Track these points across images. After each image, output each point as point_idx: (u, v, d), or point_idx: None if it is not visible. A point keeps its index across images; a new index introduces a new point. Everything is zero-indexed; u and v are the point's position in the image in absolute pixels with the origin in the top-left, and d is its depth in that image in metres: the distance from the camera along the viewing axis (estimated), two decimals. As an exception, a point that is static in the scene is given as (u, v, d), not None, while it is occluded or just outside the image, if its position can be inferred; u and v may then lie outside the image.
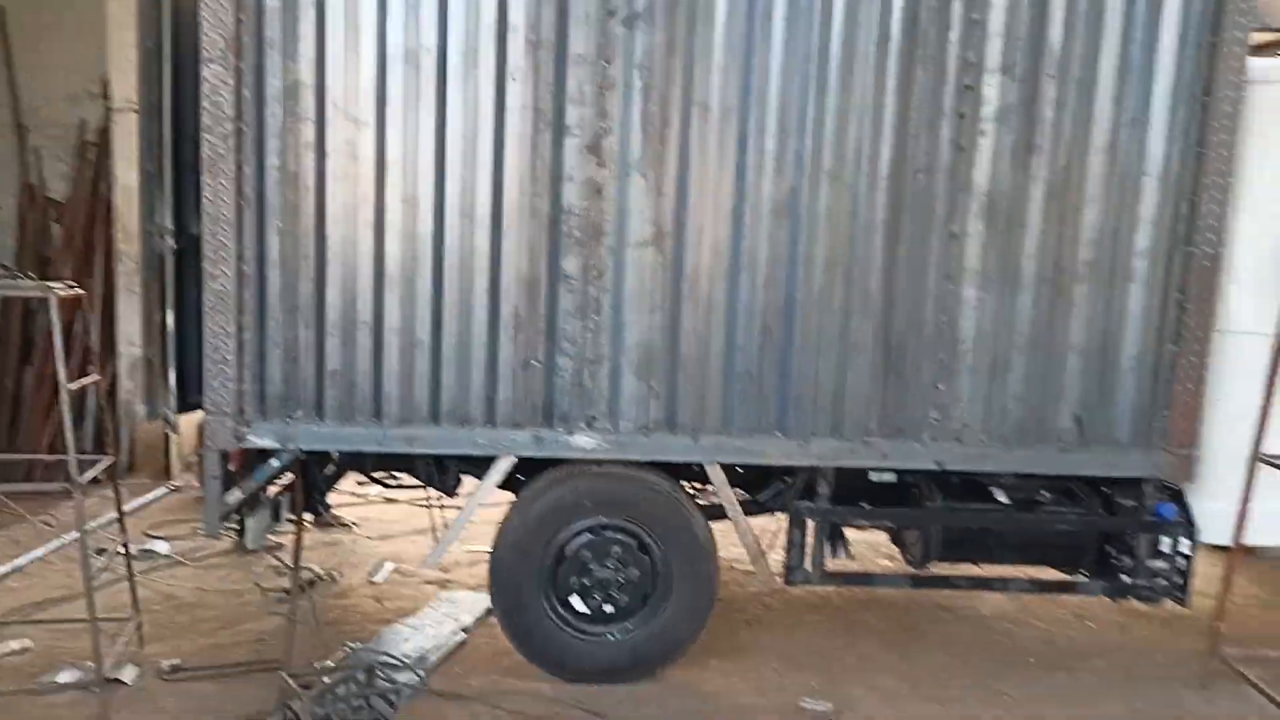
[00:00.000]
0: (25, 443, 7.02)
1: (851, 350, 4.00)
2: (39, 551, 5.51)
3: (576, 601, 4.12)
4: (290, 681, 3.81)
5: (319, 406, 3.93)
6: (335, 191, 3.83)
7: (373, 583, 5.28)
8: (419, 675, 4.03)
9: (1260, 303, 4.04)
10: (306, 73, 3.76)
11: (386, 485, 4.88)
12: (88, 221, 7.40)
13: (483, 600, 4.90)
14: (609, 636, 4.15)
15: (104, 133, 7.41)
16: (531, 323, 3.93)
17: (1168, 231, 3.95)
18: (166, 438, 7.30)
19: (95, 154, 7.46)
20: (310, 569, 5.28)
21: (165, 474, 7.28)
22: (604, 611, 4.14)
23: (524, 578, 4.09)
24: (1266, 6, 4.25)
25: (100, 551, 5.19)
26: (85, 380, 4.11)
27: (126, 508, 4.63)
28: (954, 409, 4.04)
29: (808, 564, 4.25)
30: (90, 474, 3.86)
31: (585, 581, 4.11)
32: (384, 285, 3.88)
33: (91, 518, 4.85)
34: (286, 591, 4.98)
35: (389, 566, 5.51)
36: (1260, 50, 4.51)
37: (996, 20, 3.81)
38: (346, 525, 6.28)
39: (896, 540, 4.69)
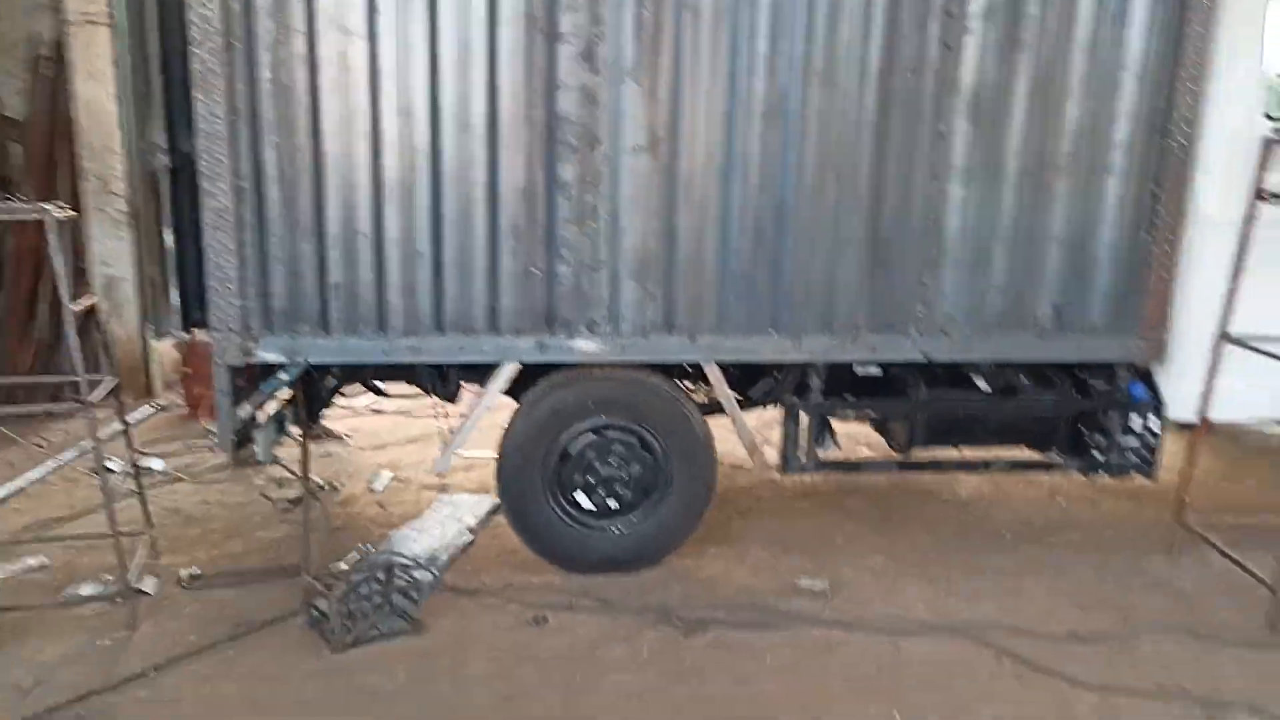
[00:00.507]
0: (2, 366, 6.97)
1: (841, 248, 4.12)
2: (38, 471, 5.56)
3: (582, 498, 4.31)
4: (315, 583, 3.97)
5: (324, 320, 3.99)
6: (329, 104, 3.81)
7: (373, 490, 5.42)
8: (434, 573, 4.20)
9: (1228, 193, 4.21)
10: (293, -19, 3.70)
11: (385, 395, 4.98)
12: (48, 139, 7.20)
13: (484, 502, 5.08)
14: (614, 530, 4.35)
15: (59, 47, 7.15)
16: (530, 231, 3.99)
17: (1144, 125, 4.08)
18: (147, 356, 7.29)
19: (52, 69, 7.21)
20: (313, 479, 5.40)
21: (147, 393, 7.29)
22: (609, 507, 4.33)
23: (531, 477, 4.25)
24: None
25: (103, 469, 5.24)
26: (85, 301, 4.12)
27: (113, 428, 4.67)
28: (939, 302, 4.20)
29: (802, 454, 4.47)
30: (99, 393, 3.91)
31: (590, 479, 4.29)
32: (383, 197, 3.91)
33: (86, 437, 4.91)
34: (292, 502, 5.11)
35: (387, 475, 5.65)
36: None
37: (984, -85, 3.85)
38: (339, 437, 6.39)
39: (880, 429, 4.91)
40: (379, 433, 6.56)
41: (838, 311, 4.18)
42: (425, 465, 5.79)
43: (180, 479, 5.57)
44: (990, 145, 4.06)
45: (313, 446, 6.13)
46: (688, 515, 4.38)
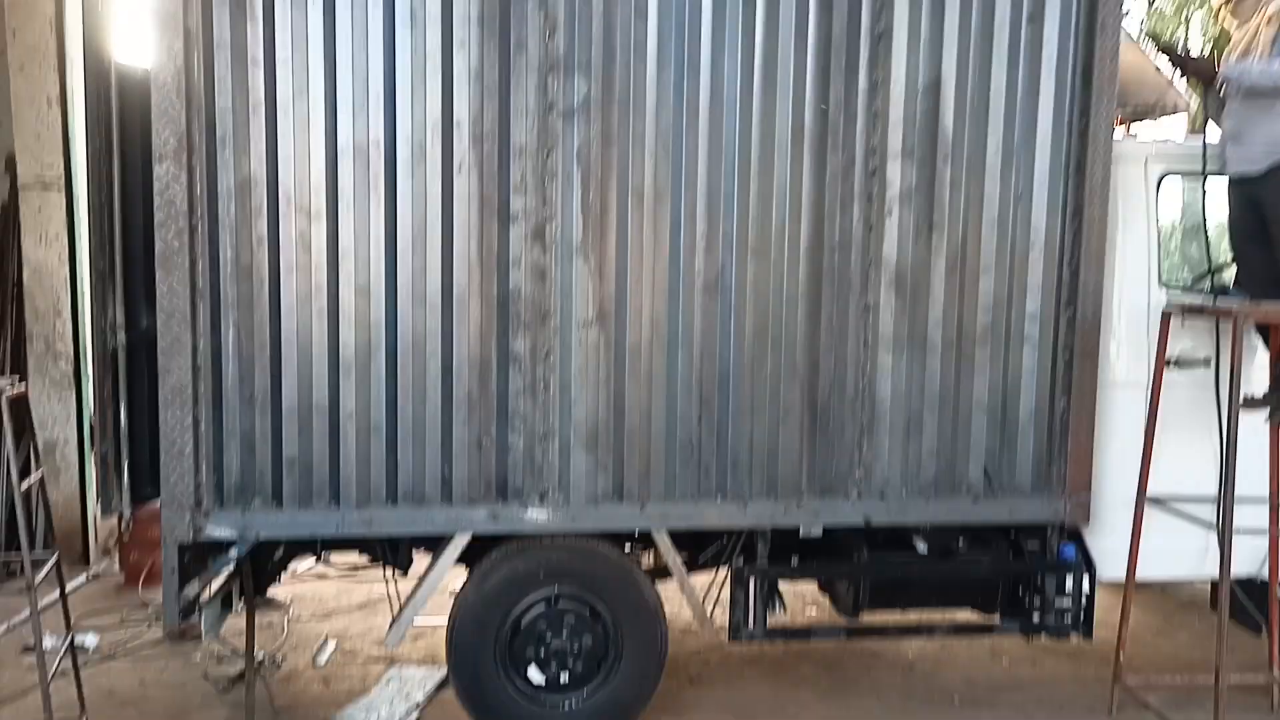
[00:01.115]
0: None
1: (782, 415, 4.30)
2: (-42, 653, 5.31)
3: (534, 672, 4.26)
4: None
5: (277, 494, 4.01)
6: (289, 282, 3.95)
7: (317, 665, 5.27)
8: (380, 753, 4.08)
9: (1136, 359, 4.53)
10: (258, 168, 3.89)
11: (331, 564, 4.93)
12: (-6, 302, 7.20)
13: (433, 675, 4.97)
14: (565, 705, 4.30)
15: (8, 210, 7.25)
16: (484, 402, 4.11)
17: (1053, 296, 4.40)
18: (85, 522, 7.10)
19: (1, 232, 7.28)
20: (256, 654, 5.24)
21: (84, 560, 7.06)
22: (560, 681, 4.29)
23: (482, 651, 4.21)
24: (1125, 90, 4.82)
25: (28, 649, 5.05)
26: (33, 477, 4.09)
27: (47, 600, 4.53)
28: (876, 466, 4.37)
29: (751, 621, 4.51)
30: (43, 573, 3.83)
31: (541, 652, 4.26)
32: (340, 371, 4.01)
33: (13, 611, 4.75)
34: (232, 680, 4.94)
35: (331, 646, 5.51)
36: (1123, 129, 5.12)
37: (896, 112, 4.23)
38: (281, 605, 6.23)
39: (826, 590, 4.99)
40: (323, 599, 6.42)
41: (781, 477, 4.32)
42: (373, 634, 5.66)
43: (114, 657, 5.35)
44: (914, 317, 4.33)
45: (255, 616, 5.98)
46: (640, 686, 4.35)
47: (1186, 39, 17.34)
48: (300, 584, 6.65)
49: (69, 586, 6.47)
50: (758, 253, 4.23)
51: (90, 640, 5.50)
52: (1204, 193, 4.59)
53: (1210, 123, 4.56)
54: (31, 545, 3.73)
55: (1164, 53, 4.57)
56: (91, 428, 7.03)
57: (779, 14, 4.11)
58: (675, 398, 4.23)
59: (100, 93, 3.92)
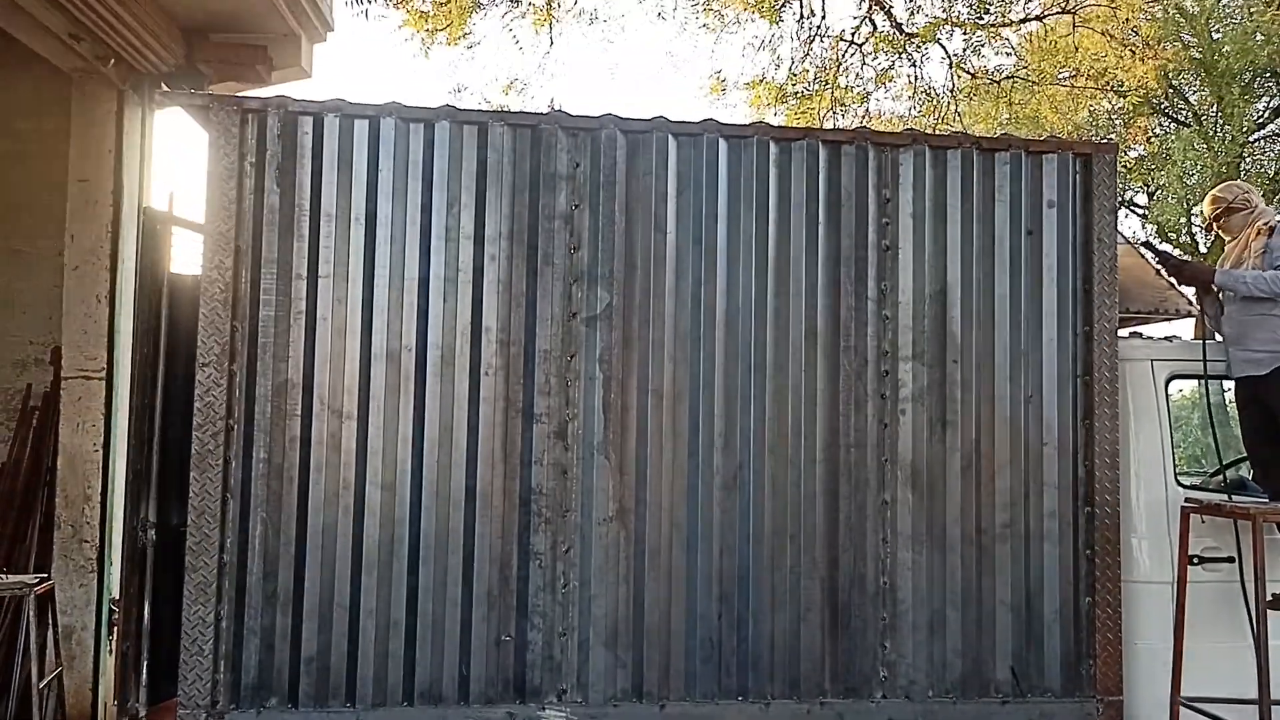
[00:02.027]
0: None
1: (803, 612, 4.28)
2: None
3: None
4: None
5: (293, 693, 3.99)
6: (318, 480, 4.07)
7: None
8: None
9: (1159, 555, 4.52)
10: (295, 373, 4.08)
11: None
12: (26, 485, 7.35)
13: None
14: None
15: (49, 398, 7.51)
16: (504, 598, 4.13)
17: (1071, 494, 4.44)
18: (94, 711, 6.98)
19: (38, 419, 7.51)
20: None
21: (85, 755, 6.89)
22: None
23: None
24: (1127, 294, 5.01)
25: None
26: (51, 676, 4.09)
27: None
28: (900, 665, 4.31)
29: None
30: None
31: None
32: (361, 568, 4.07)
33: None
34: None
35: None
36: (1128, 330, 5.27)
37: (905, 316, 4.41)
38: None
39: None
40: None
41: (803, 676, 4.26)
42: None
43: None
44: (933, 514, 4.36)
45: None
46: None
47: (1190, 229, 17.94)
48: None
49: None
50: (775, 451, 4.33)
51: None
52: (1207, 392, 4.69)
53: (1210, 323, 4.73)
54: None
55: (1161, 262, 4.77)
56: (112, 614, 7.06)
57: (790, 229, 4.37)
58: (695, 594, 4.24)
59: (152, 302, 4.17)
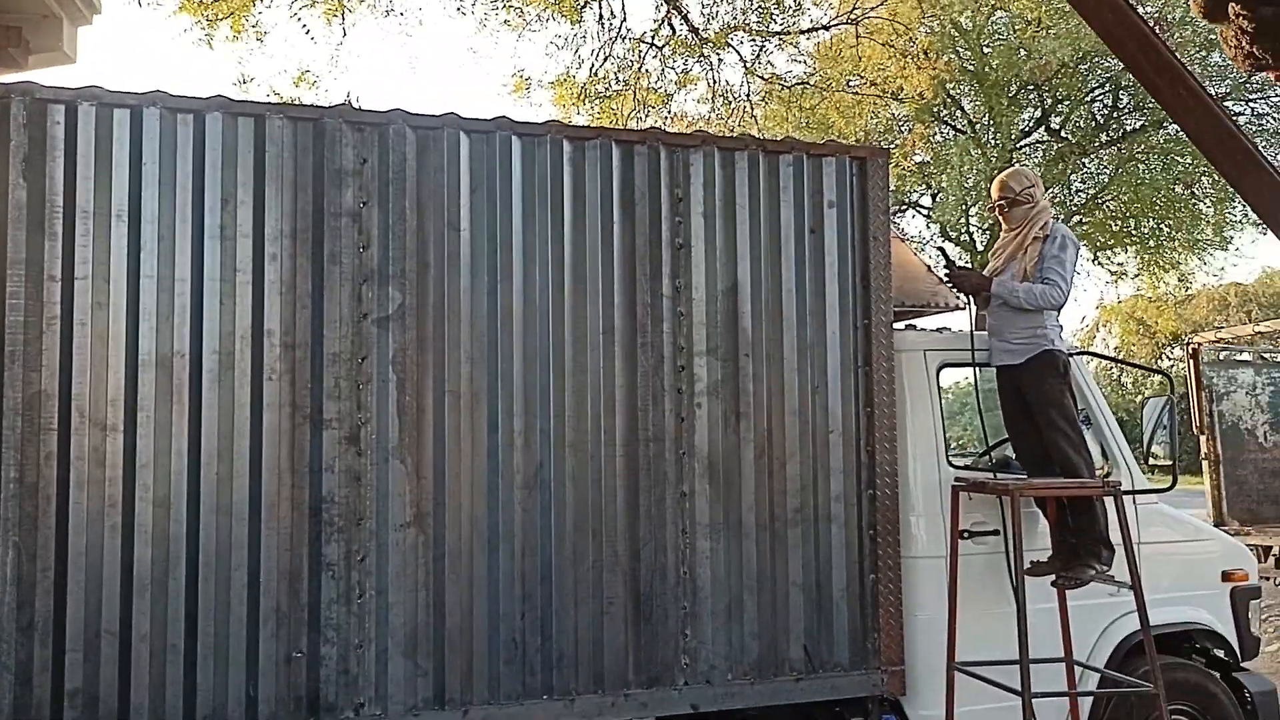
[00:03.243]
0: None
1: (606, 606, 4.32)
2: None
3: None
4: None
5: (56, 730, 3.66)
6: (79, 499, 3.74)
7: None
8: None
9: (934, 531, 4.84)
10: (50, 383, 3.74)
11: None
12: None
13: None
14: None
15: None
16: (294, 613, 3.94)
17: (855, 478, 4.69)
18: None
19: None
20: None
21: None
22: None
23: None
24: (901, 289, 5.34)
25: None
26: None
27: None
28: (701, 652, 4.42)
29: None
30: None
31: None
32: (133, 591, 3.78)
33: None
34: None
35: None
36: (903, 323, 5.62)
37: (699, 313, 4.52)
38: None
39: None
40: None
41: (607, 670, 4.30)
42: None
43: None
44: (729, 503, 4.50)
45: None
46: None
47: (968, 228, 19.40)
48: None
49: None
50: (575, 448, 4.34)
51: None
52: (976, 380, 5.06)
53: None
54: None
55: (946, 272, 5.08)
56: None
57: (585, 225, 4.39)
58: (497, 596, 4.19)
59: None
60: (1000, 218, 5.05)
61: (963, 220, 19.73)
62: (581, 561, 4.31)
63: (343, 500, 4.03)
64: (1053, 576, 4.77)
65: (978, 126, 19.26)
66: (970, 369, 5.14)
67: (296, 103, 9.85)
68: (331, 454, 4.03)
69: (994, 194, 5.04)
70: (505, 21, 11.72)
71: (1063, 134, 19.51)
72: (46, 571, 3.70)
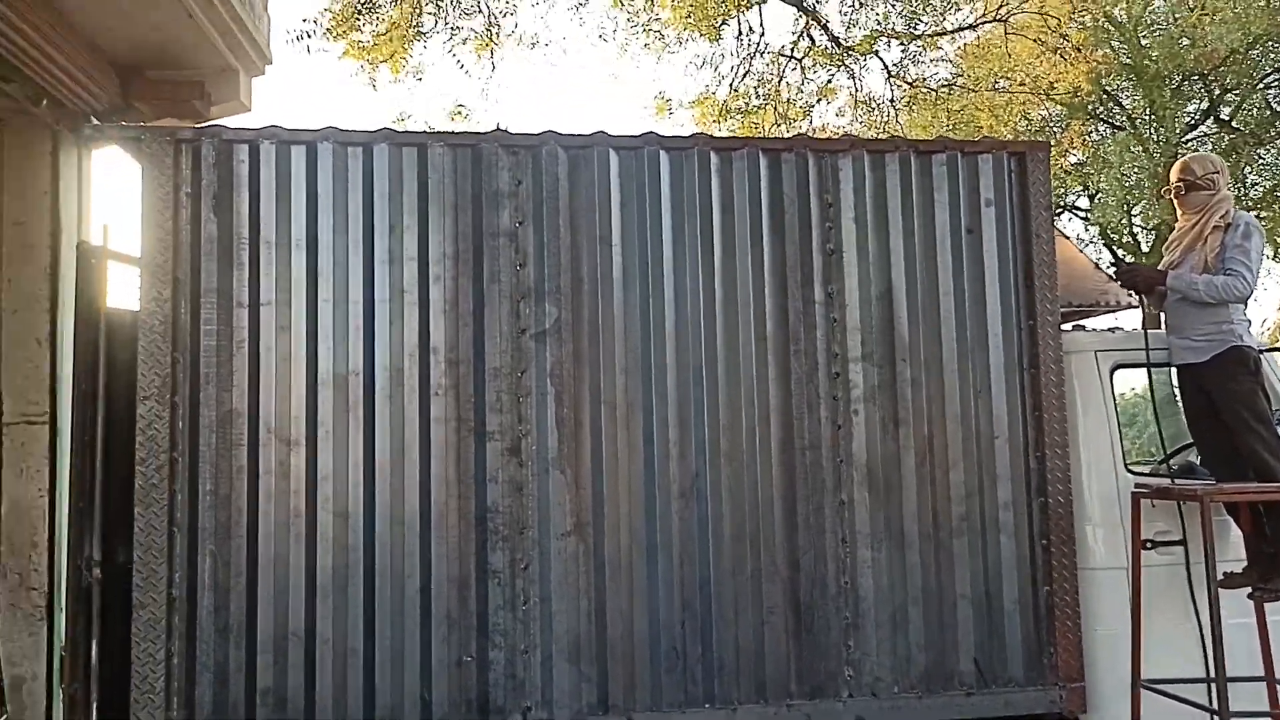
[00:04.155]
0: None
1: (766, 616, 4.28)
2: None
3: None
4: None
5: (249, 728, 3.90)
6: (267, 510, 4.00)
7: None
8: None
9: (1111, 541, 4.58)
10: (240, 402, 4.02)
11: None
12: (-32, 540, 7.13)
13: None
14: None
15: (-9, 446, 7.31)
16: (463, 619, 4.08)
17: (1024, 485, 4.49)
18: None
19: (-20, 469, 7.31)
20: None
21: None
22: None
23: None
24: (1067, 288, 5.10)
25: None
26: (-3, 724, 3.96)
27: None
28: (865, 663, 4.32)
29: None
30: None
31: None
32: (316, 597, 3.99)
33: None
34: None
35: None
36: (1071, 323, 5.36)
37: (853, 318, 4.45)
38: None
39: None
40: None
41: (769, 679, 4.25)
42: None
43: None
44: (890, 511, 4.39)
45: None
46: None
47: (1131, 229, 18.35)
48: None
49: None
50: (730, 457, 4.33)
51: None
52: (1151, 381, 4.77)
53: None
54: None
55: (1116, 272, 4.81)
56: (63, 662, 6.85)
57: (735, 236, 4.40)
58: (657, 605, 4.21)
59: (90, 337, 4.09)
60: (1177, 204, 4.73)
61: (1124, 221, 18.65)
62: (740, 571, 4.29)
63: (506, 510, 4.15)
64: (1249, 589, 4.42)
65: (1138, 122, 18.21)
66: (1144, 370, 4.86)
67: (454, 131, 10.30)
68: (495, 465, 4.16)
69: (1173, 177, 4.72)
70: (645, 45, 11.92)
71: (1234, 125, 18.23)
72: (239, 578, 3.95)
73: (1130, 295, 5.26)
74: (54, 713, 6.78)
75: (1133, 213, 18.36)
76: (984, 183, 4.57)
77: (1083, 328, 5.10)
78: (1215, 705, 4.11)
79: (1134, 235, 19.05)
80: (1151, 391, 4.77)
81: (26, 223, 7.00)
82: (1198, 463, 4.92)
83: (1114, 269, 4.92)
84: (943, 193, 4.54)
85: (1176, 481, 4.59)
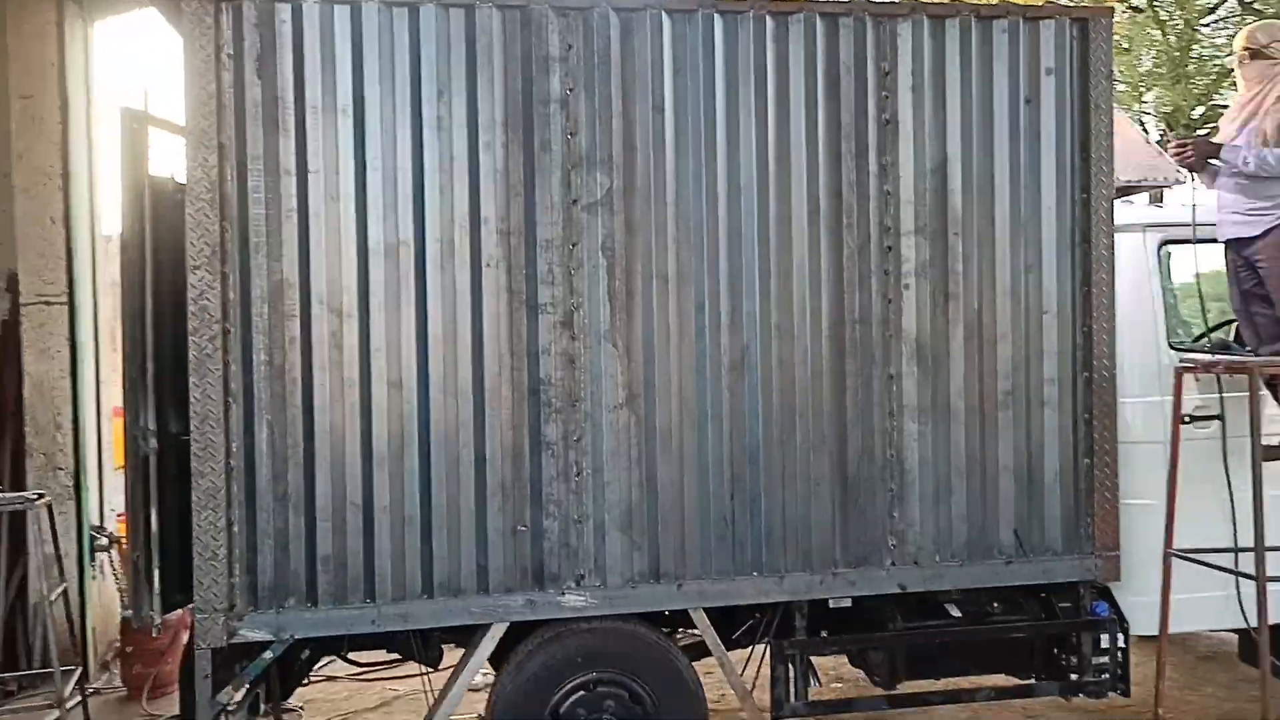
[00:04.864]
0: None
1: (813, 487, 4.34)
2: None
3: (577, 763, 4.19)
4: None
5: (311, 592, 3.97)
6: (322, 381, 3.98)
7: (344, 768, 5.14)
8: None
9: (1152, 416, 4.63)
10: (291, 272, 3.95)
11: (358, 665, 4.86)
12: (-8, 416, 7.12)
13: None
14: (608, 793, 4.22)
15: (8, 326, 7.23)
16: (517, 489, 4.12)
17: (1070, 360, 4.51)
18: (84, 636, 6.93)
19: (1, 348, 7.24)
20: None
21: (83, 675, 6.86)
22: (604, 770, 4.22)
23: (523, 744, 4.14)
24: (1118, 161, 5.01)
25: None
26: (60, 589, 4.03)
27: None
28: (909, 534, 4.41)
29: (793, 696, 4.47)
30: (70, 687, 3.75)
31: (584, 740, 4.20)
32: (372, 466, 4.01)
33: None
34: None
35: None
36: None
37: (906, 191, 4.38)
38: (293, 711, 6.08)
39: (859, 661, 4.95)
40: (335, 702, 6.26)
41: (815, 549, 4.34)
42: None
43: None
44: (937, 386, 4.41)
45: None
46: (685, 770, 4.29)
47: (1141, 116, 18.03)
48: (308, 688, 6.48)
49: (68, 704, 6.32)
50: (781, 330, 4.32)
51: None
52: (1196, 257, 4.75)
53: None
54: (45, 662, 3.64)
55: (1172, 148, 4.74)
56: (93, 540, 6.95)
57: (789, 104, 4.28)
58: (707, 476, 4.26)
59: (135, 204, 3.98)
60: (1239, 73, 4.63)
61: (1136, 106, 18.36)
62: (788, 442, 4.33)
63: (559, 383, 4.15)
64: (1287, 462, 4.51)
65: (1156, 5, 17.75)
66: (1190, 246, 4.83)
67: None
68: (547, 338, 4.14)
69: (1237, 45, 4.62)
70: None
71: (1254, 6, 17.78)
72: (295, 448, 3.96)
73: (1179, 172, 5.19)
74: (84, 587, 6.94)
75: (1143, 99, 18.04)
76: (1045, 50, 4.44)
77: (1130, 202, 5.05)
78: (1257, 571, 4.23)
79: (1141, 122, 18.77)
80: (1197, 269, 4.76)
81: (34, 97, 6.77)
82: (1232, 340, 4.96)
83: (1164, 142, 4.84)
84: (1002, 61, 4.42)
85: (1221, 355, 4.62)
